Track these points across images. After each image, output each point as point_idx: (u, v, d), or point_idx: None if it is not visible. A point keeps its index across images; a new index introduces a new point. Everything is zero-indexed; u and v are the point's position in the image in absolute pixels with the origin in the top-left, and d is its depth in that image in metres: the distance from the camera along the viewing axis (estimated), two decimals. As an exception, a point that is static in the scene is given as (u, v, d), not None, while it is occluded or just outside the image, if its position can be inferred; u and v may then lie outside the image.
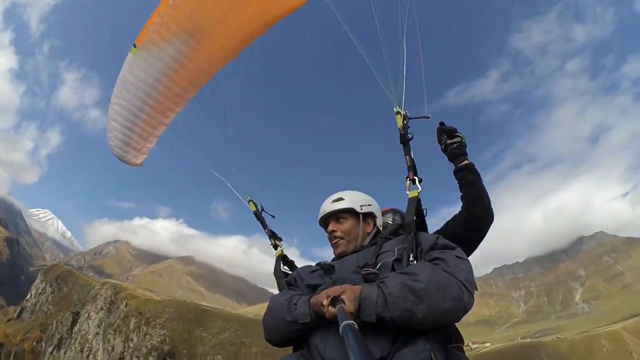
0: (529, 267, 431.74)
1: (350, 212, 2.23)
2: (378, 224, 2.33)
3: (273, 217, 3.15)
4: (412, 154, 2.47)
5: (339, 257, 2.19)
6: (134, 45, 3.35)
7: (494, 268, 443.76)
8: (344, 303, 1.51)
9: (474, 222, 2.37)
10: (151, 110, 3.59)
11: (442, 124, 2.62)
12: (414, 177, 2.36)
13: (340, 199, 2.26)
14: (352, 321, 1.23)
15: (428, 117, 2.64)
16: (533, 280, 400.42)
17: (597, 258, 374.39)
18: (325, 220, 2.29)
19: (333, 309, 1.51)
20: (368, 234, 2.27)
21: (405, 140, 2.51)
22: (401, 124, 2.56)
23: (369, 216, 2.28)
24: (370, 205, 2.29)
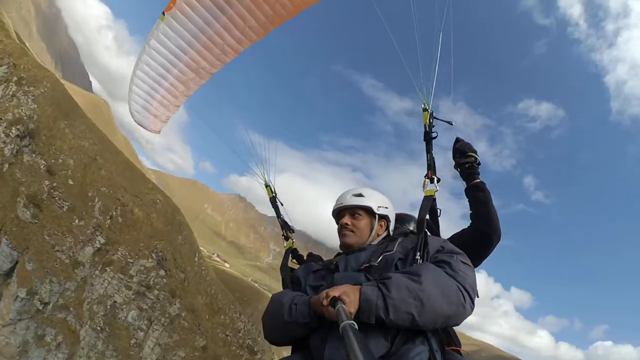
0: (296, 238, 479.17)
1: (367, 210, 2.21)
2: (390, 228, 2.32)
3: (282, 204, 3.11)
4: (433, 152, 2.47)
5: (344, 248, 2.20)
6: (163, 13, 3.37)
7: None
8: (344, 303, 1.50)
9: (481, 239, 2.44)
10: (174, 79, 3.64)
11: (457, 140, 2.65)
12: (433, 176, 2.36)
13: (361, 195, 2.24)
14: (352, 321, 1.23)
15: (451, 124, 2.63)
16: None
17: None
18: (340, 212, 2.27)
19: (333, 309, 1.50)
20: (378, 235, 2.25)
21: (429, 139, 2.51)
22: (427, 121, 2.54)
23: (383, 218, 2.27)
24: (387, 208, 2.28)
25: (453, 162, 2.68)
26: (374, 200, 2.24)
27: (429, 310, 1.56)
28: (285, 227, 2.94)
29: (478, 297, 1.79)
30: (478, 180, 2.55)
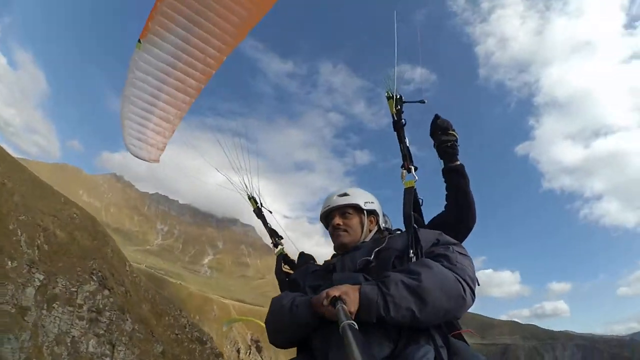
0: (183, 212, 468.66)
1: (355, 208, 2.23)
2: (380, 222, 2.32)
3: (270, 212, 3.07)
4: (407, 141, 2.36)
5: (339, 248, 2.20)
6: (139, 41, 3.25)
7: (158, 192, 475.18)
8: (344, 303, 1.50)
9: (460, 227, 2.40)
10: (164, 104, 3.56)
11: (437, 117, 2.53)
12: (410, 166, 2.29)
13: (346, 194, 2.26)
14: (351, 321, 1.23)
15: (424, 102, 2.52)
16: (180, 224, 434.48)
17: (238, 243, 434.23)
18: (328, 215, 2.28)
19: (333, 309, 1.49)
20: (370, 231, 2.27)
21: (399, 127, 2.39)
22: (394, 109, 2.41)
23: (372, 214, 2.28)
24: (373, 203, 2.29)
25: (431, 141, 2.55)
26: (360, 197, 2.25)
27: (429, 305, 1.57)
28: (274, 234, 2.90)
29: (479, 284, 1.78)
30: (458, 163, 2.47)
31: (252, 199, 3.10)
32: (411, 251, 1.86)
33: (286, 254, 2.72)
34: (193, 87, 3.61)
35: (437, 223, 2.47)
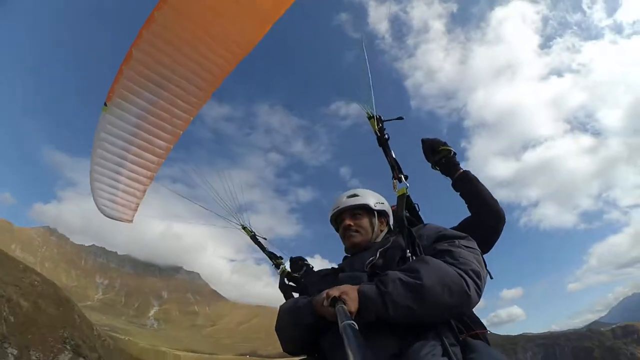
0: (123, 263, 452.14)
1: (365, 208, 2.24)
2: (390, 223, 2.35)
3: (265, 239, 3.18)
4: (393, 153, 2.49)
5: (351, 249, 2.20)
6: (105, 104, 3.29)
7: (94, 244, 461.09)
8: (344, 303, 1.49)
9: (488, 231, 2.38)
10: (132, 165, 3.58)
11: (423, 141, 2.66)
12: (400, 175, 2.38)
13: (355, 195, 2.28)
14: (351, 321, 1.22)
15: (402, 119, 2.67)
16: (121, 276, 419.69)
17: (184, 291, 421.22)
18: (338, 216, 2.30)
19: (333, 309, 1.48)
20: (381, 231, 2.27)
21: (383, 142, 2.53)
22: (376, 127, 2.56)
23: (382, 215, 2.30)
24: (383, 204, 2.32)
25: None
26: (370, 198, 2.27)
27: (429, 302, 1.54)
28: (273, 257, 2.98)
29: (492, 278, 1.79)
30: (461, 171, 2.51)
31: (245, 228, 3.25)
32: (408, 251, 1.87)
33: (289, 272, 2.74)
34: (162, 148, 3.65)
35: (463, 225, 2.48)
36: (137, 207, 3.83)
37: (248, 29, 3.18)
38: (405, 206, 2.22)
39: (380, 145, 2.55)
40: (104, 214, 3.68)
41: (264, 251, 3.11)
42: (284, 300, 2.39)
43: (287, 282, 2.68)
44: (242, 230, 3.27)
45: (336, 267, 2.22)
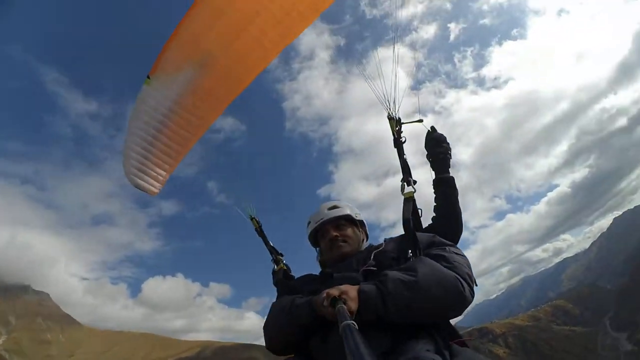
0: None
1: (348, 219, 2.30)
2: (367, 232, 2.42)
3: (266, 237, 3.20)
4: (405, 156, 2.54)
5: (341, 258, 2.18)
6: (148, 77, 3.31)
7: None
8: (344, 303, 1.50)
9: (446, 236, 2.33)
10: (167, 139, 3.59)
11: (433, 129, 2.72)
12: (409, 179, 2.41)
13: (336, 206, 2.33)
14: (352, 321, 1.21)
15: (421, 122, 2.72)
16: None
17: (33, 315, 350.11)
18: (320, 229, 2.32)
19: (333, 309, 1.48)
20: (363, 240, 2.33)
21: (399, 144, 2.57)
22: (394, 129, 2.61)
23: (362, 224, 2.38)
24: (360, 213, 2.39)
25: (425, 152, 2.71)
26: (350, 209, 2.34)
27: (428, 302, 1.57)
28: (274, 251, 2.99)
29: (476, 285, 1.80)
30: (449, 175, 2.58)
31: (253, 219, 3.21)
32: (410, 252, 1.91)
33: (286, 270, 2.81)
34: (198, 126, 3.64)
35: (428, 231, 2.49)
36: (165, 181, 3.84)
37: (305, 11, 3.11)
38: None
39: (395, 146, 2.60)
40: (131, 182, 3.70)
41: (267, 245, 3.10)
42: (276, 298, 2.40)
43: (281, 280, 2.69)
44: (250, 221, 3.26)
45: (321, 272, 2.20)
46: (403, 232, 2.06)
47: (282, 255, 2.97)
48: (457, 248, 1.93)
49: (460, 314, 1.77)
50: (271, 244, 3.08)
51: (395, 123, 2.65)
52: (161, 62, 3.28)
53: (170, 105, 3.46)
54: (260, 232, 3.18)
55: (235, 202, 3.36)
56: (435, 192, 2.63)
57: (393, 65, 2.78)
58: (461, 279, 1.67)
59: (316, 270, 2.32)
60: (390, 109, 2.70)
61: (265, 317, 2.02)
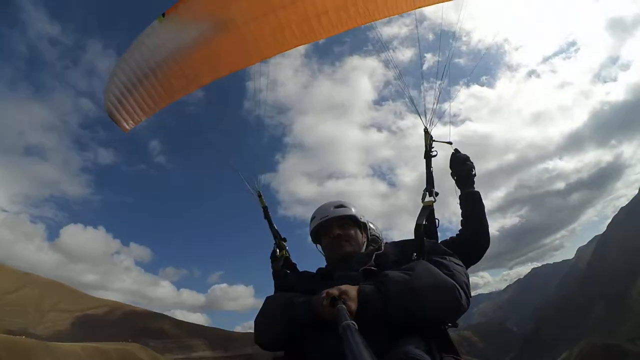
0: None
1: (353, 220, 2.27)
2: (369, 237, 2.41)
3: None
4: (432, 169, 2.71)
5: (340, 259, 2.17)
6: (163, 14, 3.22)
7: None
8: (344, 303, 1.50)
9: (472, 252, 2.55)
10: (156, 82, 3.46)
11: (457, 150, 2.86)
12: (431, 189, 2.55)
13: (342, 205, 2.30)
14: (352, 321, 1.20)
15: (451, 143, 2.87)
16: None
17: None
18: (324, 225, 2.27)
19: (333, 309, 1.47)
20: (364, 243, 2.31)
21: (429, 157, 2.77)
22: (428, 141, 2.82)
23: (365, 227, 2.36)
24: (364, 216, 2.37)
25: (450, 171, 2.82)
26: (356, 209, 2.31)
27: (426, 304, 1.61)
28: (278, 236, 2.91)
29: (471, 296, 1.82)
30: (475, 190, 2.70)
31: (260, 196, 3.13)
32: (414, 255, 1.96)
33: (288, 257, 2.77)
34: (192, 82, 3.54)
35: (449, 246, 2.44)
36: (139, 122, 3.72)
37: None
38: (427, 218, 2.31)
39: (425, 157, 2.78)
40: (107, 111, 3.59)
41: (271, 227, 3.01)
42: (272, 290, 2.42)
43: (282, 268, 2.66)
44: (258, 198, 3.13)
45: (318, 270, 2.22)
46: (402, 237, 2.18)
47: (285, 240, 2.90)
48: (457, 258, 1.97)
49: (454, 320, 1.83)
50: (275, 228, 2.98)
51: (429, 138, 2.86)
52: (182, 5, 3.19)
53: (173, 50, 3.37)
54: (266, 212, 3.08)
55: (239, 171, 3.21)
56: (461, 207, 2.73)
57: (435, 90, 3.04)
58: (459, 287, 1.71)
59: (305, 267, 2.39)
60: (426, 124, 2.91)
61: (258, 310, 2.00)
